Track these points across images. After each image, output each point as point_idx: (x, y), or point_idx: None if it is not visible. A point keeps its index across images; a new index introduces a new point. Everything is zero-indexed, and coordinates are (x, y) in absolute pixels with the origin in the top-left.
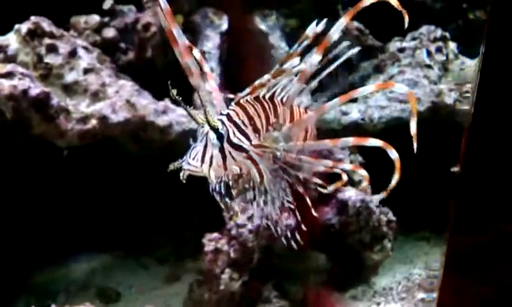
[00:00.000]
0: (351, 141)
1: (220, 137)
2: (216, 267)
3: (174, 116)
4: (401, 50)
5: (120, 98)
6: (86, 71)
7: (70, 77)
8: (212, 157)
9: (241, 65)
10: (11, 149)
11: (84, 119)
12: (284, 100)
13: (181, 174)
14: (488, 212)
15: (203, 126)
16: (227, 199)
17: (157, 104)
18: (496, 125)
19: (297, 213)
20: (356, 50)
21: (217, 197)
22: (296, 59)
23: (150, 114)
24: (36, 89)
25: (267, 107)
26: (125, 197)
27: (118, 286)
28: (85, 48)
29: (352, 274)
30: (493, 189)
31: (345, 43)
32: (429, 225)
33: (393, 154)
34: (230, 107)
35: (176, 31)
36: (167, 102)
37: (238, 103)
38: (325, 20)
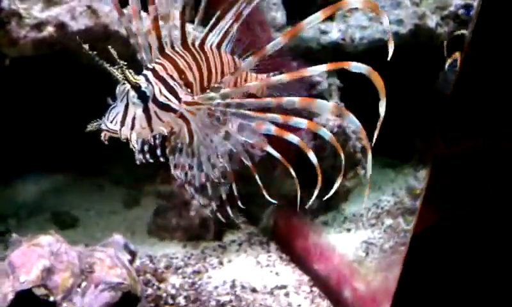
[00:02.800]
0: (297, 101)
1: (143, 96)
2: (185, 192)
3: (140, 25)
4: None
5: (80, 3)
6: None
7: None
8: (134, 118)
9: None
10: None
11: (39, 25)
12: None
13: (102, 135)
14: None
15: (124, 83)
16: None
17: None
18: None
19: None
20: None
21: (142, 158)
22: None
23: (113, 23)
24: None
25: (198, 57)
26: (73, 113)
27: (73, 210)
28: None
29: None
30: (489, 97)
31: None
32: (393, 152)
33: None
34: (157, 61)
35: None
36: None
37: (165, 55)
38: None
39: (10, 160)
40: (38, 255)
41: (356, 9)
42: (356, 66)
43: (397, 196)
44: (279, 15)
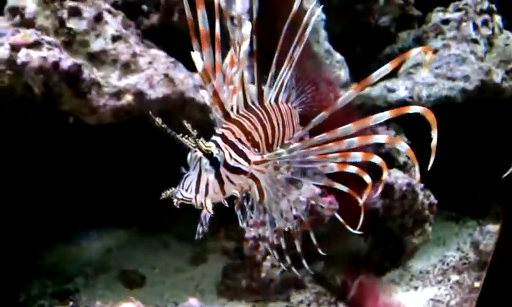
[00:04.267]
0: (356, 141)
1: (215, 162)
2: (257, 253)
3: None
4: (445, 21)
5: (156, 72)
6: (115, 38)
7: (96, 45)
8: (207, 185)
9: (274, 31)
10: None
11: (118, 94)
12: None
13: (174, 201)
14: None
15: (195, 151)
16: None
17: (194, 78)
18: None
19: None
20: None
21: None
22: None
23: (189, 90)
24: (67, 61)
25: (261, 116)
26: (136, 171)
27: (139, 268)
28: (109, 11)
29: (390, 258)
30: None
31: None
32: (454, 205)
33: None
34: (224, 125)
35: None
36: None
37: (231, 120)
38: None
39: (72, 216)
40: None
41: (421, 65)
42: (414, 108)
43: (461, 250)
44: (343, 73)
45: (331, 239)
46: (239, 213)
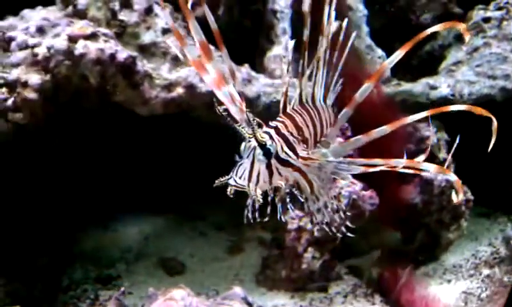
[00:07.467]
0: (403, 162)
1: (268, 153)
2: (298, 245)
3: (259, 85)
4: (486, 19)
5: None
6: (165, 31)
7: (147, 38)
8: (259, 174)
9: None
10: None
11: (169, 86)
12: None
13: (228, 189)
14: None
15: (249, 140)
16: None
17: (241, 72)
18: None
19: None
20: None
21: (251, 217)
22: None
23: (238, 83)
24: (123, 53)
25: (313, 114)
26: (174, 159)
27: (178, 255)
28: (157, 3)
29: (425, 252)
30: None
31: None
32: (486, 201)
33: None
34: (279, 119)
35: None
36: (247, 69)
37: (286, 114)
38: None
39: (110, 202)
40: None
41: (462, 63)
42: (455, 107)
43: (493, 245)
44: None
45: (369, 233)
46: (279, 205)
